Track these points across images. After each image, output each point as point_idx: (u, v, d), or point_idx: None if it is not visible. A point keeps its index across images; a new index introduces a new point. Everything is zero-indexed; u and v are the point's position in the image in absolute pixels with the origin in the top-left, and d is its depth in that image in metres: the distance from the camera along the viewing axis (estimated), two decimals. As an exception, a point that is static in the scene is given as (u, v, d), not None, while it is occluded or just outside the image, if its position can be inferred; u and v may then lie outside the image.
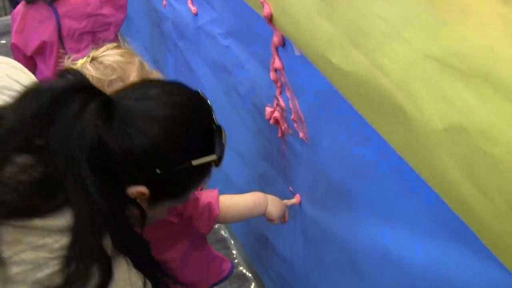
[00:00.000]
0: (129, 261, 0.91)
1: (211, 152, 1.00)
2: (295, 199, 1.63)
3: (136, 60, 1.46)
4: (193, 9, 2.08)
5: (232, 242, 2.57)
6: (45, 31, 2.42)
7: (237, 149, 2.04)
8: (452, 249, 0.98)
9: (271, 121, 1.58)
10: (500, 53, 0.73)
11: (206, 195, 1.48)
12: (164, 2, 2.52)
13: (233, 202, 1.53)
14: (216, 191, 1.51)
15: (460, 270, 0.97)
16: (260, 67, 1.59)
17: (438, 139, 0.87)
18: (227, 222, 1.71)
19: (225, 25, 1.81)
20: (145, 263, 0.96)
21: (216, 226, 2.66)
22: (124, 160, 0.88)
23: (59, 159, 0.81)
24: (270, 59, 1.47)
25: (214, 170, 1.07)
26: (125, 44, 4.14)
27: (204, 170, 1.03)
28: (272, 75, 1.49)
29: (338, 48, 1.08)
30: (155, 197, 0.97)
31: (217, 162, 1.03)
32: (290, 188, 1.68)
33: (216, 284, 1.77)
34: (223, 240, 2.60)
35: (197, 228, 1.48)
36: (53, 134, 0.82)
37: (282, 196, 1.63)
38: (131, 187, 0.91)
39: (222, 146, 1.03)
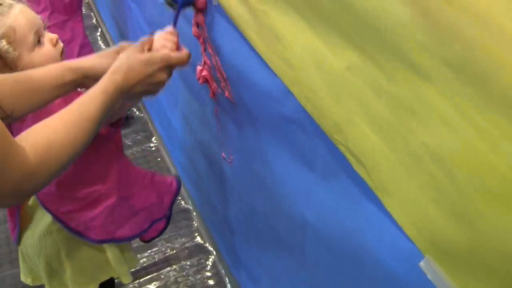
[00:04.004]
0: None
1: None
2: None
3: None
4: (135, -35, 1.94)
5: (194, 213, 2.46)
6: None
7: (183, 113, 1.92)
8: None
9: (200, 81, 1.44)
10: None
11: None
12: (115, -38, 2.39)
13: None
14: None
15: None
16: (189, 23, 1.45)
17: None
18: None
19: (158, -20, 1.68)
20: None
21: (179, 198, 2.55)
22: None
23: None
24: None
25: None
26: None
27: None
28: (193, 30, 1.35)
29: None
30: None
31: None
32: (222, 154, 1.55)
33: (174, 200, 1.68)
34: (186, 211, 2.49)
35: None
36: None
37: (215, 163, 1.50)
38: None
39: None
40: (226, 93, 1.31)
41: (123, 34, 2.90)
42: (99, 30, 3.85)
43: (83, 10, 3.99)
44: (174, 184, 1.67)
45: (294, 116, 1.01)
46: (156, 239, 1.75)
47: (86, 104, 1.02)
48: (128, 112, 2.98)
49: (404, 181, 0.72)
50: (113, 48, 1.24)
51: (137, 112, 3.06)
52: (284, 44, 0.92)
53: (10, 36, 1.26)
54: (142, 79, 1.10)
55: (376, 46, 0.69)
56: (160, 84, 1.14)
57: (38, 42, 1.33)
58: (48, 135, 0.96)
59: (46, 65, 1.28)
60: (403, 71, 0.66)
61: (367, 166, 0.78)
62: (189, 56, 1.19)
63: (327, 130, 0.86)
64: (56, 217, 1.44)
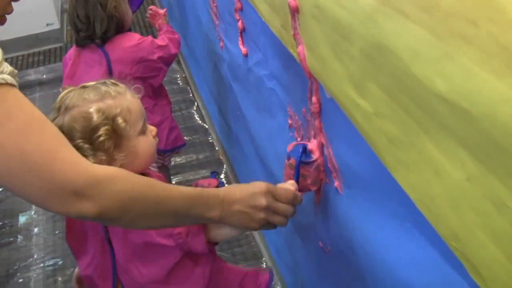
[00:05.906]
0: None
1: None
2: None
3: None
4: (244, 50, 2.04)
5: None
6: (96, 76, 2.38)
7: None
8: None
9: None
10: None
11: None
12: (221, 44, 2.50)
13: None
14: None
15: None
16: (301, 111, 1.51)
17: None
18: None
19: (269, 67, 1.75)
20: None
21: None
22: None
23: None
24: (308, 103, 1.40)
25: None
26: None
27: None
28: (309, 119, 1.41)
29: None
30: None
31: None
32: (320, 243, 1.57)
33: None
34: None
35: (194, 249, 1.40)
36: None
37: (312, 249, 1.51)
38: None
39: None
40: (336, 183, 1.34)
41: (222, 111, 2.98)
42: (195, 104, 3.96)
43: (180, 83, 4.16)
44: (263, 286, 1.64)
45: (407, 214, 1.03)
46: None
47: (177, 187, 1.11)
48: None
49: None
50: None
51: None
52: (398, 147, 0.95)
53: (126, 116, 1.34)
54: (244, 196, 1.19)
55: (500, 161, 0.70)
56: (258, 210, 1.20)
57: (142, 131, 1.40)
58: (126, 172, 1.05)
59: (148, 153, 1.40)
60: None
61: (485, 276, 0.79)
62: (296, 196, 1.28)
63: (444, 236, 0.87)
64: None
